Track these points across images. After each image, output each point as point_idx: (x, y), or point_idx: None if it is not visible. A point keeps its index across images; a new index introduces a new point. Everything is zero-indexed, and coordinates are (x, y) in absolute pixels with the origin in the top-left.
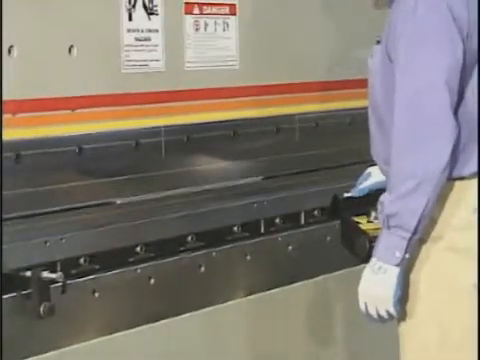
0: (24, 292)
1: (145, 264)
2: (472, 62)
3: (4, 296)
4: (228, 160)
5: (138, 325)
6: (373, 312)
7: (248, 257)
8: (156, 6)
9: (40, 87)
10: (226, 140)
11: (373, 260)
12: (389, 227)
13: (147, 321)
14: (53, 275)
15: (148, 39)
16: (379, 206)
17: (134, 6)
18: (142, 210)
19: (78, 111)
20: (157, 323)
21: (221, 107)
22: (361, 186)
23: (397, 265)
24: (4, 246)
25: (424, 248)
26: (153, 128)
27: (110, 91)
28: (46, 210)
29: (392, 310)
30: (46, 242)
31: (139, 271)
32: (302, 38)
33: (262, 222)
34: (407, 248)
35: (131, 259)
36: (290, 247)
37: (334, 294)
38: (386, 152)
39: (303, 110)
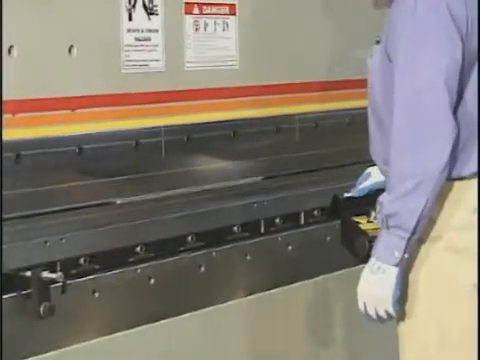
0: (24, 292)
1: (145, 264)
2: (471, 62)
3: (4, 296)
4: (228, 160)
5: (138, 325)
6: (372, 312)
7: (248, 257)
8: (156, 6)
9: (40, 87)
10: (226, 140)
11: (372, 260)
12: (388, 227)
13: (147, 321)
14: (53, 275)
15: (148, 39)
16: (378, 206)
17: (134, 6)
18: (142, 210)
19: (78, 111)
20: (157, 323)
21: (221, 107)
22: (361, 186)
23: (396, 265)
24: (4, 246)
25: (423, 248)
26: (153, 128)
27: (110, 91)
28: (46, 210)
29: (391, 310)
30: (46, 242)
31: (139, 271)
32: (302, 38)
33: (262, 222)
34: (406, 248)
35: (131, 259)
36: (290, 247)
37: (334, 294)
38: (385, 152)
39: (303, 110)
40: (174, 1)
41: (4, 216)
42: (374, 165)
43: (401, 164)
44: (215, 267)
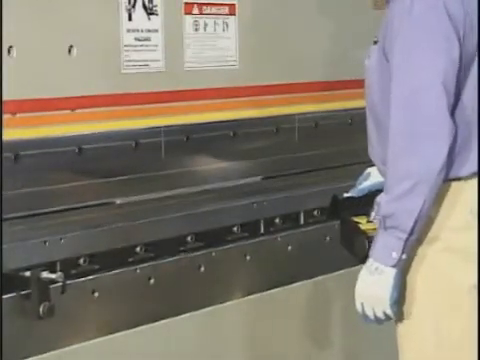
0: (24, 292)
1: (145, 264)
2: (468, 62)
3: (4, 296)
4: (228, 160)
5: (138, 325)
6: (370, 313)
7: (248, 257)
8: (156, 6)
9: (40, 87)
10: (226, 140)
11: (370, 261)
12: (386, 228)
13: (147, 321)
14: (53, 275)
15: (148, 39)
16: (376, 207)
17: (134, 6)
18: (142, 210)
19: (78, 111)
20: (157, 323)
21: (221, 107)
22: (361, 186)
23: (394, 266)
24: (4, 246)
25: (421, 249)
26: (153, 128)
27: (110, 91)
28: (46, 210)
29: (389, 311)
30: (46, 242)
31: (139, 271)
32: (302, 38)
33: (262, 222)
34: (404, 249)
35: (131, 259)
36: (290, 247)
37: (334, 294)
38: (384, 152)
39: (303, 110)
40: (174, 1)
41: (4, 216)
42: (374, 165)
43: (398, 165)
44: (215, 267)
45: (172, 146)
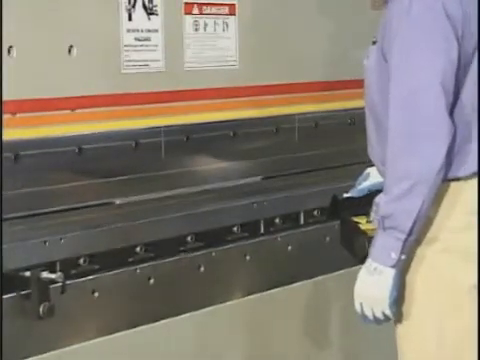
0: (24, 292)
1: (145, 264)
2: (467, 62)
3: (4, 296)
4: (228, 160)
5: (138, 325)
6: (369, 313)
7: (248, 257)
8: (156, 6)
9: (40, 87)
10: (226, 140)
11: (369, 261)
12: (384, 228)
13: (147, 321)
14: (53, 275)
15: (148, 39)
16: (374, 207)
17: (134, 6)
18: (142, 210)
19: (78, 111)
20: (157, 323)
21: (221, 107)
22: (360, 186)
23: (393, 266)
24: (4, 246)
25: (419, 249)
26: (153, 128)
27: (110, 91)
28: (45, 210)
29: (388, 311)
30: (46, 242)
31: (139, 271)
32: (302, 38)
33: (262, 222)
34: (403, 249)
35: (131, 259)
36: (290, 247)
37: (334, 294)
38: (383, 153)
39: (303, 110)
40: (174, 1)
41: (4, 216)
42: (373, 165)
43: (397, 165)
44: (215, 267)
45: (172, 146)
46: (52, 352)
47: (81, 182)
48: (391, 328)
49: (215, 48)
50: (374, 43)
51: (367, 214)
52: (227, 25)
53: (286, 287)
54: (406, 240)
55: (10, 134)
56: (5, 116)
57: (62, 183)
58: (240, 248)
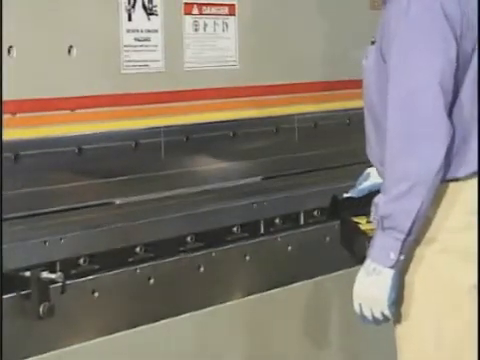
0: (24, 292)
1: (144, 264)
2: (466, 62)
3: (4, 296)
4: (227, 160)
5: (138, 325)
6: (368, 314)
7: (247, 257)
8: (155, 6)
9: (40, 87)
10: (225, 140)
11: (367, 261)
12: (383, 228)
13: (147, 321)
14: (53, 275)
15: (148, 39)
16: (373, 207)
17: (133, 6)
18: (142, 210)
19: (78, 111)
20: (157, 323)
21: (220, 107)
22: (360, 186)
23: (392, 267)
24: (4, 246)
25: (419, 250)
26: (153, 128)
27: (110, 91)
28: (46, 210)
29: (387, 312)
30: (46, 242)
31: (138, 271)
32: (301, 38)
33: (262, 222)
34: (401, 249)
35: (130, 259)
36: (290, 247)
37: (334, 294)
38: (382, 153)
39: (302, 110)
40: (173, 1)
41: (4, 216)
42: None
43: (396, 166)
44: (215, 267)
45: (172, 146)
46: (52, 352)
47: (81, 182)
48: (391, 328)
49: (215, 48)
50: (373, 43)
51: (367, 214)
52: (227, 25)
53: (286, 287)
54: (405, 240)
55: (10, 134)
56: (5, 116)
57: (62, 183)
58: (240, 248)
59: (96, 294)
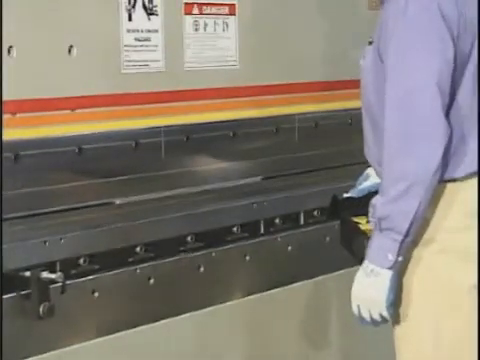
0: (24, 292)
1: (145, 264)
2: (463, 63)
3: (4, 296)
4: (228, 160)
5: (138, 325)
6: (366, 315)
7: (247, 257)
8: (156, 6)
9: (40, 87)
10: (226, 140)
11: (365, 262)
12: (381, 230)
13: (147, 321)
14: (53, 275)
15: (148, 39)
16: (371, 209)
17: (134, 6)
18: (142, 210)
19: (78, 111)
20: (157, 323)
21: (221, 107)
22: (361, 187)
23: (390, 268)
24: (4, 246)
25: (417, 251)
26: (153, 128)
27: (110, 91)
28: (46, 210)
29: (385, 313)
30: (46, 242)
31: (139, 271)
32: (302, 38)
33: (262, 222)
34: (399, 251)
35: (131, 259)
36: (290, 247)
37: (334, 294)
38: (380, 153)
39: (303, 110)
40: (174, 1)
41: (4, 216)
42: None
43: (393, 166)
44: (215, 267)
45: (172, 146)
46: (52, 352)
47: (81, 182)
48: (391, 328)
49: (215, 48)
50: (370, 44)
51: (367, 214)
52: (227, 25)
53: (286, 287)
54: (403, 241)
55: (10, 134)
56: (5, 116)
57: (62, 183)
58: (240, 248)
59: (96, 294)
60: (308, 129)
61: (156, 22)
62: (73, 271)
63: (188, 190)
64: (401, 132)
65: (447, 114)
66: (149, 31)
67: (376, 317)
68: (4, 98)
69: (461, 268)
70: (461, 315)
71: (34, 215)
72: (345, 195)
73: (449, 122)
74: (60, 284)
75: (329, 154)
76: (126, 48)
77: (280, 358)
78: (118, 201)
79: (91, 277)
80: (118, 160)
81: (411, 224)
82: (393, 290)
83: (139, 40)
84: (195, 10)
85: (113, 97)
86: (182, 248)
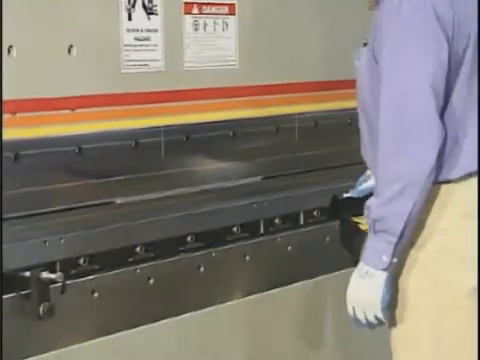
0: (24, 292)
1: (144, 264)
2: (458, 65)
3: (4, 296)
4: (228, 160)
5: (138, 325)
6: (361, 317)
7: (247, 257)
8: (155, 6)
9: (40, 87)
10: (225, 140)
11: (360, 264)
12: (375, 231)
13: (147, 321)
14: (52, 275)
15: (148, 39)
16: (366, 210)
17: (133, 6)
18: (142, 210)
19: (78, 111)
20: (157, 323)
21: (220, 107)
22: (361, 187)
23: (384, 270)
24: (4, 246)
25: (412, 252)
26: (153, 128)
27: (110, 91)
28: (46, 210)
29: (380, 315)
30: (46, 242)
31: (138, 271)
32: (301, 38)
33: (261, 222)
34: (394, 252)
35: (131, 259)
36: (289, 247)
37: (334, 294)
38: (375, 154)
39: (302, 110)
40: (173, 1)
41: (4, 216)
42: None
43: (388, 167)
44: (215, 267)
45: (172, 146)
46: (52, 352)
47: (81, 182)
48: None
49: (215, 48)
50: (365, 45)
51: None
52: (227, 25)
53: (286, 287)
54: (397, 243)
55: (10, 134)
56: (5, 116)
57: (62, 183)
58: (240, 248)
59: (96, 294)
60: (308, 129)
61: (156, 22)
62: (73, 271)
63: (188, 190)
64: (395, 133)
65: (441, 115)
66: (149, 31)
67: (371, 319)
68: (4, 98)
69: (456, 269)
70: (457, 316)
71: (34, 215)
72: (345, 195)
73: (443, 124)
74: (60, 284)
75: (329, 154)
76: (126, 48)
77: (280, 358)
78: (118, 201)
79: (91, 277)
80: (118, 160)
81: (405, 226)
82: (388, 292)
83: (139, 40)
84: (195, 10)
85: (113, 97)
86: (182, 248)
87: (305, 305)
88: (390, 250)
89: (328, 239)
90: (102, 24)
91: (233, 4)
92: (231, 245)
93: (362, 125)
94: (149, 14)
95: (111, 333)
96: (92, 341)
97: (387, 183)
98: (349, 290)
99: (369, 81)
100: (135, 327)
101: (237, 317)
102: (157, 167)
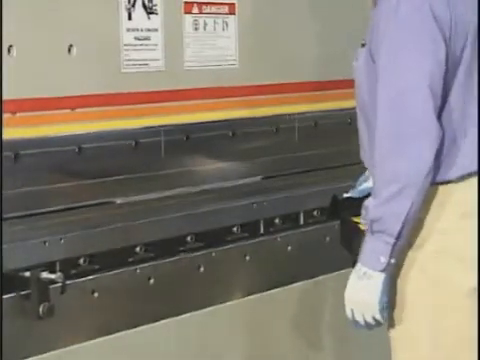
0: (23, 292)
1: (144, 264)
2: (455, 65)
3: (4, 296)
4: (227, 160)
5: (138, 325)
6: (360, 318)
7: (247, 257)
8: (155, 5)
9: (40, 86)
10: (225, 140)
11: (358, 265)
12: (373, 232)
13: (147, 321)
14: (52, 275)
15: (147, 38)
16: (363, 211)
17: (133, 5)
18: (142, 210)
19: (78, 110)
20: (157, 323)
21: (220, 107)
22: (361, 187)
23: (382, 270)
24: (4, 246)
25: (410, 252)
26: (152, 128)
27: (110, 90)
28: (45, 210)
29: (378, 316)
30: (46, 242)
31: (138, 271)
32: (302, 38)
33: (261, 222)
34: (392, 253)
35: (131, 259)
36: (289, 247)
37: (334, 294)
38: (372, 154)
39: (302, 110)
40: (173, 0)
41: (4, 216)
42: None
43: (385, 167)
44: (215, 267)
45: (172, 146)
46: (52, 352)
47: (81, 182)
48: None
49: (215, 47)
50: (363, 46)
51: None
52: (227, 24)
53: (286, 287)
54: (395, 244)
55: (10, 133)
56: (5, 115)
57: (62, 183)
58: (240, 248)
59: (96, 294)
60: (308, 129)
61: (156, 21)
62: (73, 271)
63: (188, 190)
64: (393, 133)
65: (439, 116)
66: (149, 30)
67: (369, 320)
68: (4, 97)
69: (455, 269)
70: (456, 316)
71: (34, 215)
72: (345, 195)
73: (441, 124)
74: (60, 284)
75: (329, 154)
76: (126, 47)
77: (280, 358)
78: (118, 201)
79: (91, 277)
80: (118, 160)
81: (403, 226)
82: (386, 293)
83: (139, 39)
84: (195, 9)
85: (113, 96)
86: (182, 248)
87: (305, 305)
88: (388, 251)
89: (328, 239)
90: (102, 24)
91: (233, 4)
92: (231, 245)
93: (361, 125)
94: (149, 14)
95: (111, 333)
96: (92, 341)
97: (384, 183)
98: (347, 292)
99: (367, 81)
100: (135, 327)
101: (237, 317)
102: (157, 167)
